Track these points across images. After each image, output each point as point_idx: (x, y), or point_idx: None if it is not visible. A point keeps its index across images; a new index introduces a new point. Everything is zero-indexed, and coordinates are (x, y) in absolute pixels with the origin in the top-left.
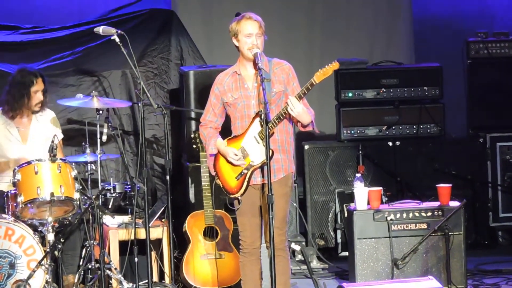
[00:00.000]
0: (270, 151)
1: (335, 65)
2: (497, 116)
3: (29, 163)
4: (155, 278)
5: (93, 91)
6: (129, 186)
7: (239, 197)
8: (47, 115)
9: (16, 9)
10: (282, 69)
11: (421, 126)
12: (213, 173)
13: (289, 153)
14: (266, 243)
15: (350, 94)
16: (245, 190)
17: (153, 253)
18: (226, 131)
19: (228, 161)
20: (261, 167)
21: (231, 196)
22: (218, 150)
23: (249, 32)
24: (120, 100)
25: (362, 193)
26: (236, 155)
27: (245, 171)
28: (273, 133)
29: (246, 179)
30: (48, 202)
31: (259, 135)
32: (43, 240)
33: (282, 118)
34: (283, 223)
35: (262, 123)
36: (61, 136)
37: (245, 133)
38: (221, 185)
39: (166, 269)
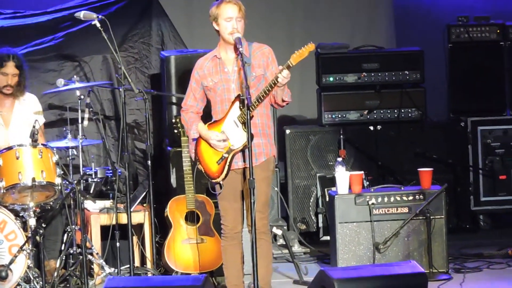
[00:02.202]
0: (249, 136)
1: (311, 47)
2: (478, 100)
3: (10, 148)
4: (137, 263)
5: (74, 76)
6: (111, 171)
7: (221, 182)
8: (29, 99)
9: None
10: (262, 52)
11: (402, 111)
12: (194, 159)
13: (270, 137)
14: (248, 227)
15: (331, 79)
16: (226, 175)
17: (135, 238)
18: (208, 116)
19: (210, 146)
20: (242, 151)
21: (213, 180)
22: (200, 134)
23: (229, 16)
24: (101, 82)
25: (344, 178)
26: (218, 138)
27: (226, 155)
28: (253, 116)
29: (227, 163)
30: (29, 187)
31: (238, 119)
32: (24, 225)
33: (263, 98)
34: (265, 206)
35: (242, 107)
36: (42, 120)
37: (225, 117)
38: (202, 170)
39: (148, 254)
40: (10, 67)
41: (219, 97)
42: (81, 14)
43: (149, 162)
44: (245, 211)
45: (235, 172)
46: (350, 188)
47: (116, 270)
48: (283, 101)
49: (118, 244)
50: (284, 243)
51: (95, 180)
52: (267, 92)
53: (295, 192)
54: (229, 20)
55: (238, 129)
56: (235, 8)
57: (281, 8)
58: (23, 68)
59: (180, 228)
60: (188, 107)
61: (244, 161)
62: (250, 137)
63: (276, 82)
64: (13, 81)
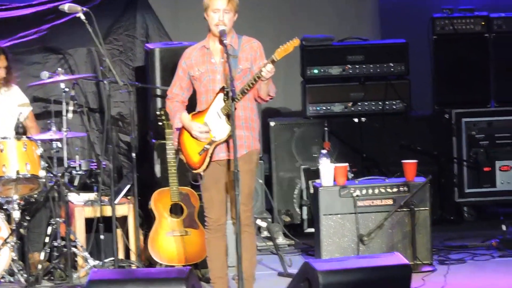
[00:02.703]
0: (231, 127)
1: (296, 42)
2: (463, 92)
3: None
4: (121, 255)
5: (59, 69)
6: (95, 164)
7: (201, 173)
8: (13, 91)
9: None
10: (251, 46)
11: (387, 103)
12: (176, 147)
13: (253, 130)
14: (232, 220)
15: (316, 71)
16: (207, 166)
17: (119, 231)
18: (193, 106)
19: (192, 136)
20: (225, 143)
21: (194, 171)
22: (183, 124)
23: (216, 7)
24: (86, 74)
25: (328, 170)
26: (201, 129)
27: (208, 147)
28: (236, 109)
29: (209, 155)
30: (13, 180)
31: (222, 111)
32: (8, 218)
33: (246, 91)
34: (248, 199)
35: (226, 99)
36: (29, 109)
37: (208, 109)
38: (184, 160)
39: (132, 246)
40: (2, 61)
41: (204, 87)
42: (66, 7)
43: (133, 154)
44: (229, 204)
45: (218, 164)
46: (334, 180)
47: (100, 262)
48: (268, 95)
49: (102, 236)
50: (269, 235)
51: (80, 172)
52: (250, 85)
53: (279, 184)
54: (217, 11)
55: (221, 121)
56: (224, 0)
57: (268, 0)
58: (10, 62)
59: (164, 220)
60: (174, 95)
61: (226, 152)
62: (233, 129)
63: (260, 76)
64: (5, 74)
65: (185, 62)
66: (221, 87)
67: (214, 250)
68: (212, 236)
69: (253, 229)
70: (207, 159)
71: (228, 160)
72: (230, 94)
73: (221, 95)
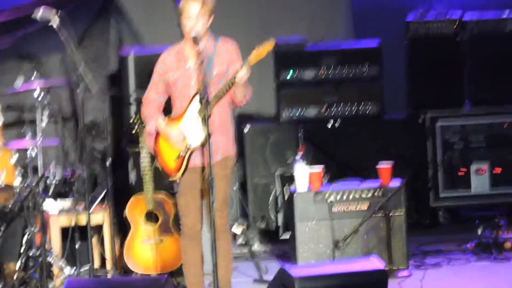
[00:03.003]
0: (206, 133)
1: (270, 45)
2: (437, 95)
3: None
4: (97, 264)
5: (33, 75)
6: (69, 172)
7: (177, 180)
8: None
9: None
10: (226, 49)
11: (361, 106)
12: (152, 152)
13: (228, 135)
14: (207, 226)
15: (289, 75)
16: (183, 173)
17: (94, 239)
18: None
19: (167, 143)
20: (200, 149)
21: (170, 178)
22: (159, 130)
23: (187, 14)
24: (60, 80)
25: (303, 175)
26: (178, 137)
27: (183, 154)
28: (211, 115)
29: (184, 161)
30: None
31: (196, 117)
32: None
33: (222, 96)
34: (224, 205)
35: (200, 105)
36: (1, 119)
37: (183, 114)
38: (160, 167)
39: (108, 255)
40: None
41: (179, 92)
42: (38, 15)
43: (108, 162)
44: (204, 210)
45: (193, 170)
46: (309, 185)
47: (76, 271)
48: (244, 98)
49: (77, 245)
50: (244, 242)
51: (54, 181)
52: (225, 91)
53: (254, 191)
54: (188, 18)
55: (196, 127)
56: (196, 5)
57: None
58: None
59: (139, 228)
60: (149, 101)
61: (202, 159)
62: (209, 134)
63: (234, 81)
64: None
65: (161, 67)
66: (195, 93)
67: (190, 257)
68: (188, 243)
69: (229, 235)
70: (183, 166)
71: (203, 167)
72: (204, 100)
73: (196, 101)
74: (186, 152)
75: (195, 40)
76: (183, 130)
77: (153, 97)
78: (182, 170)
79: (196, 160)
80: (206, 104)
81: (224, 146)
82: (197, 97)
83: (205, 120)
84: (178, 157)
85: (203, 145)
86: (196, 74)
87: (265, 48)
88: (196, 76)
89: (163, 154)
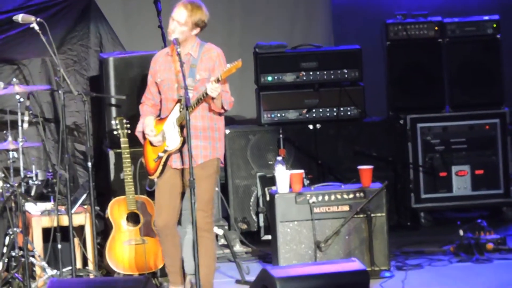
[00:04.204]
0: (183, 138)
1: (238, 64)
2: (417, 97)
3: None
4: (79, 264)
5: (14, 79)
6: (51, 173)
7: (155, 179)
8: None
9: None
10: (209, 57)
11: (341, 109)
12: (142, 142)
13: (212, 140)
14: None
15: (270, 78)
16: (161, 173)
17: (76, 240)
18: None
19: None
20: (180, 152)
21: (149, 177)
22: (144, 129)
23: (173, 17)
24: (41, 86)
25: (284, 176)
26: (155, 139)
27: (162, 155)
28: (190, 119)
29: (162, 163)
30: None
31: (176, 121)
32: None
33: (197, 105)
34: (207, 205)
35: (181, 109)
36: None
37: (167, 117)
38: (144, 164)
39: (90, 255)
40: None
41: (164, 94)
42: (19, 17)
43: (89, 163)
44: (187, 211)
45: (174, 171)
46: (290, 187)
47: (58, 272)
48: (221, 108)
49: (59, 246)
50: (226, 243)
51: (36, 182)
52: (199, 100)
53: (235, 192)
54: (172, 20)
55: (175, 131)
56: (182, 11)
57: (219, 3)
58: None
59: (121, 229)
60: (145, 99)
61: (182, 162)
62: (185, 140)
63: (206, 95)
64: None
65: (153, 67)
66: (179, 97)
67: (168, 247)
68: (164, 238)
69: (212, 235)
70: (160, 167)
71: (183, 170)
72: (184, 103)
73: (178, 105)
74: (164, 154)
75: (175, 42)
76: (165, 132)
77: (148, 96)
78: (159, 171)
79: (177, 163)
80: (185, 107)
81: (204, 151)
82: (180, 102)
83: (185, 124)
84: (157, 158)
85: (181, 149)
86: (179, 77)
87: (234, 66)
88: (179, 79)
89: (146, 153)
